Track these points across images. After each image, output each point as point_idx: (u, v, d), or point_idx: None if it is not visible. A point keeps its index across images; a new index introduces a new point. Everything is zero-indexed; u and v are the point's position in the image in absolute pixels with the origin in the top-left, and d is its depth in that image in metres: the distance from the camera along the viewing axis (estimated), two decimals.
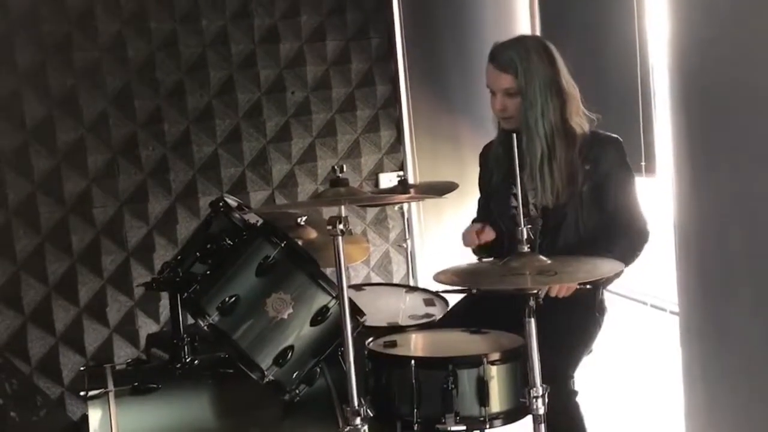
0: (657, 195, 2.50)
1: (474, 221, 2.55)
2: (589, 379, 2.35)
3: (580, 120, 2.33)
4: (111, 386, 2.18)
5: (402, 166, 3.92)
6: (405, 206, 3.44)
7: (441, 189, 2.87)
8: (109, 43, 3.47)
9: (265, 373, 2.09)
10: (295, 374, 2.12)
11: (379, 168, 3.91)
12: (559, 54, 2.35)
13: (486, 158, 2.56)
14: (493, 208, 2.47)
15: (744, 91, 1.97)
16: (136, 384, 2.19)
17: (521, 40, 2.38)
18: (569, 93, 2.31)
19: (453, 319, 2.43)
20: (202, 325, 2.11)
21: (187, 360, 2.32)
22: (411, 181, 3.65)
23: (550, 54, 2.32)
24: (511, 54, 2.29)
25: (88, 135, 3.46)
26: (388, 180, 3.83)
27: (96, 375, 2.24)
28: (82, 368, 2.57)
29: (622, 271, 1.97)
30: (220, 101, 3.65)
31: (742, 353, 2.08)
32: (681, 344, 2.32)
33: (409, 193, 2.92)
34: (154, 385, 2.20)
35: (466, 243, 2.41)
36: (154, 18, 3.53)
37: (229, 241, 2.19)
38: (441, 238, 3.68)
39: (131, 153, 3.53)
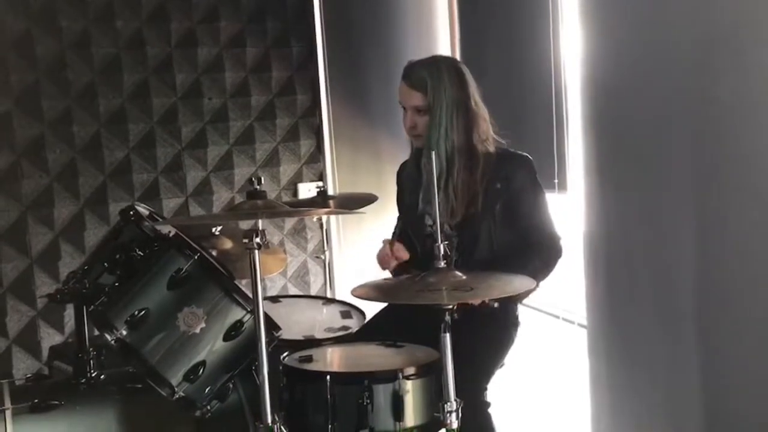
0: (569, 211, 2.58)
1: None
2: (502, 390, 2.39)
3: (488, 143, 2.37)
4: (8, 404, 2.06)
5: (321, 177, 3.90)
6: (324, 217, 3.42)
7: (360, 200, 2.88)
8: (17, 40, 3.31)
9: (176, 389, 2.03)
10: (207, 390, 2.07)
11: (298, 178, 3.88)
12: (473, 77, 2.38)
13: (402, 177, 2.57)
14: (408, 226, 2.48)
15: (651, 111, 2.06)
16: (36, 401, 2.08)
17: (435, 60, 2.41)
18: (477, 116, 2.35)
19: (370, 332, 2.42)
20: (109, 339, 2.03)
21: (93, 374, 2.22)
22: (330, 191, 3.63)
23: (462, 76, 2.35)
24: (423, 73, 2.32)
25: None
26: (307, 190, 3.80)
27: None
28: None
29: (535, 287, 2.02)
30: (133, 105, 3.54)
31: (647, 362, 2.17)
32: (588, 355, 2.40)
33: (328, 203, 2.91)
34: (56, 402, 2.09)
35: (383, 266, 2.41)
36: (65, 16, 3.39)
37: (140, 252, 2.11)
38: (360, 249, 3.67)
39: (37, 155, 3.37)
